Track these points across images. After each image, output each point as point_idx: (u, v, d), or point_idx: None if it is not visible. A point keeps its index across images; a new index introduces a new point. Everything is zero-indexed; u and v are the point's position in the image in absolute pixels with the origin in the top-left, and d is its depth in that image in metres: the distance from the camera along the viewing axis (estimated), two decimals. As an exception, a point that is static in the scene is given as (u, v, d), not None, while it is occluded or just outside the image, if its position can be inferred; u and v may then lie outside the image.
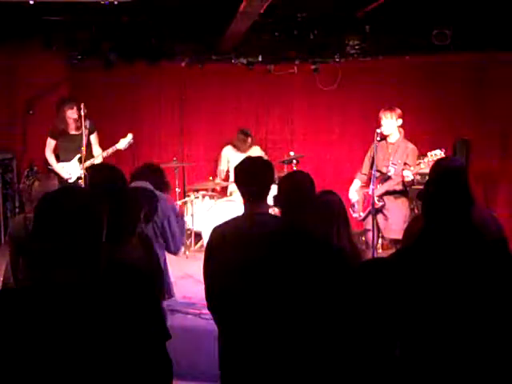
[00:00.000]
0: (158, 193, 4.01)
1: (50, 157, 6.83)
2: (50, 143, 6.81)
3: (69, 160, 6.69)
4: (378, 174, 5.65)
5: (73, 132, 6.65)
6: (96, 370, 1.73)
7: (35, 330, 1.71)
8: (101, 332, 1.74)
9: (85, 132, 6.49)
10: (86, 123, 6.54)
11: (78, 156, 6.52)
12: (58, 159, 6.82)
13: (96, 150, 6.72)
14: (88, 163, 6.44)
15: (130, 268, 2.07)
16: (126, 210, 2.77)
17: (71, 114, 6.57)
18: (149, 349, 1.86)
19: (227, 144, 8.11)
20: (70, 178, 6.66)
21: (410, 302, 2.17)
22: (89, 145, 6.63)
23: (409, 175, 5.45)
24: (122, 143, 6.55)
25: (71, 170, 6.66)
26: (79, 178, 6.54)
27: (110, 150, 6.57)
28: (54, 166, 6.74)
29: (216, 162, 8.26)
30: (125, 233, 2.78)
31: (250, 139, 7.82)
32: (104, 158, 6.58)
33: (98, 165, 6.16)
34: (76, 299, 1.76)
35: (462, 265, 2.19)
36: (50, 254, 1.77)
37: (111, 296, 1.81)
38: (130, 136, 6.58)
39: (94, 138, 6.74)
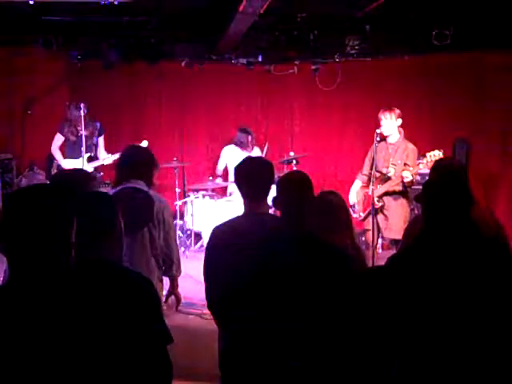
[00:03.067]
0: (152, 193, 3.79)
1: (56, 152, 6.88)
2: (59, 138, 6.88)
3: (76, 158, 6.74)
4: (378, 175, 5.65)
5: (81, 132, 6.69)
6: (92, 374, 1.72)
7: (20, 332, 1.69)
8: (92, 337, 1.72)
9: (95, 133, 6.68)
10: (96, 124, 6.72)
11: (87, 155, 6.60)
12: (64, 156, 6.87)
13: (102, 152, 6.82)
14: (98, 163, 6.59)
15: (129, 272, 2.06)
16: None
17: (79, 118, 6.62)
18: (148, 352, 1.84)
19: (227, 144, 8.13)
20: None
21: (411, 309, 2.16)
22: (95, 146, 6.75)
23: (408, 176, 5.45)
24: None
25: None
26: None
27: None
28: (61, 162, 6.81)
29: (216, 162, 8.28)
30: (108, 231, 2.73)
31: (250, 137, 7.83)
32: (114, 161, 6.58)
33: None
34: (50, 300, 1.73)
35: (463, 268, 2.18)
36: (17, 253, 1.75)
37: (105, 300, 1.79)
38: (145, 143, 6.46)
39: (101, 140, 6.86)
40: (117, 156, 6.55)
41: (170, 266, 3.86)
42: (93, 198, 2.45)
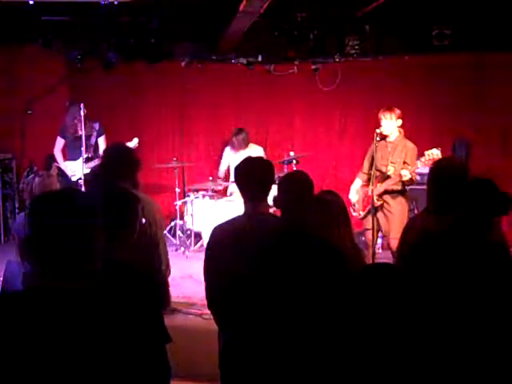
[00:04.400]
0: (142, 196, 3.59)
1: (58, 155, 7.00)
2: (60, 142, 7.00)
3: (75, 159, 6.84)
4: (377, 174, 5.65)
5: (80, 133, 6.75)
6: (95, 374, 1.72)
7: (34, 334, 1.69)
8: (101, 335, 1.73)
9: (93, 133, 6.73)
10: (95, 125, 6.78)
11: (85, 156, 6.69)
12: (65, 158, 6.98)
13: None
14: (93, 163, 6.59)
15: (129, 269, 2.06)
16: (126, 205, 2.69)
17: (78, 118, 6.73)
18: (148, 351, 1.85)
19: (227, 144, 8.13)
20: (74, 176, 6.85)
21: (416, 306, 2.16)
22: (96, 147, 6.81)
23: (406, 174, 5.44)
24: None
25: (76, 169, 6.83)
26: (80, 178, 6.67)
27: None
28: (61, 164, 6.94)
29: (216, 161, 8.27)
30: (124, 231, 2.73)
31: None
32: None
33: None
34: (76, 303, 1.73)
35: (465, 269, 2.18)
36: (48, 259, 1.73)
37: (111, 298, 1.80)
38: (135, 140, 6.69)
39: (101, 140, 6.88)
40: None
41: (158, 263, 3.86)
42: (118, 198, 2.45)
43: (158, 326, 1.92)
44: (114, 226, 2.31)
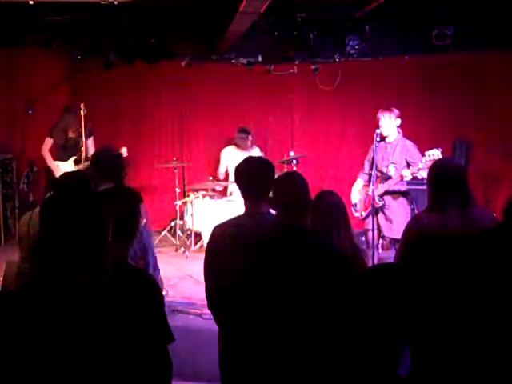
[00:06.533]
0: None
1: (47, 154, 7.09)
2: (48, 142, 7.08)
3: (64, 160, 7.00)
4: (378, 174, 5.65)
5: (71, 135, 6.98)
6: (99, 372, 1.73)
7: (40, 331, 1.71)
8: (106, 334, 1.74)
9: (84, 133, 6.87)
10: (87, 126, 6.92)
11: (74, 158, 6.96)
12: (54, 158, 7.09)
13: (91, 153, 6.94)
14: (84, 165, 6.79)
15: (137, 270, 2.07)
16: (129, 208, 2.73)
17: (71, 123, 6.97)
18: (151, 351, 1.85)
19: (227, 145, 8.12)
20: None
21: (420, 308, 2.15)
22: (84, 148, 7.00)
23: (407, 175, 5.45)
24: None
25: (66, 169, 6.93)
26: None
27: None
28: (50, 163, 7.03)
29: (216, 161, 8.27)
30: (126, 231, 2.74)
31: (250, 137, 7.83)
32: None
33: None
34: (85, 301, 1.75)
35: (471, 269, 2.16)
36: (58, 257, 1.76)
37: (119, 298, 1.81)
38: (124, 150, 6.78)
39: (90, 141, 7.04)
40: None
41: (146, 267, 3.89)
42: (126, 198, 2.46)
43: (162, 325, 1.93)
44: (115, 226, 2.31)
